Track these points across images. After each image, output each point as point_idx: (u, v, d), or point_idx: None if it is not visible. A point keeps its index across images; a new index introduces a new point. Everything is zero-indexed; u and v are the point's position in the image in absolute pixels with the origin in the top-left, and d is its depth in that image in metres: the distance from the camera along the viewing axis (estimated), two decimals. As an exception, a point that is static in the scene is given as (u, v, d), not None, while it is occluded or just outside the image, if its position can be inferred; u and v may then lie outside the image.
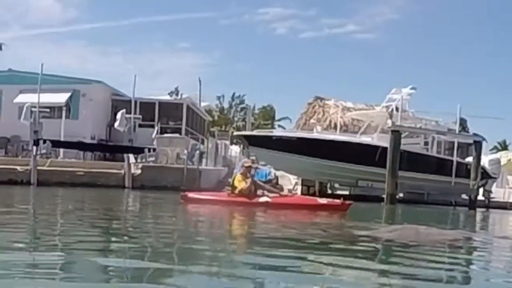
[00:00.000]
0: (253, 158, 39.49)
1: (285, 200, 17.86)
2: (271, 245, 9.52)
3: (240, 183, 17.75)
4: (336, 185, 36.45)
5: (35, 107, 30.07)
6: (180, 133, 39.39)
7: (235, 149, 47.79)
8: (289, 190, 36.42)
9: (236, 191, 17.78)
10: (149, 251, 8.48)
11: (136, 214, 15.87)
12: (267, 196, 17.71)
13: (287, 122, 72.14)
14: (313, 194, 32.26)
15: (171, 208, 18.36)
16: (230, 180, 18.79)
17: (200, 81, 51.98)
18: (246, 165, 18.66)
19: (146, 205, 20.66)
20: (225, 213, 16.38)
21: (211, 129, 59.28)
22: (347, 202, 18.63)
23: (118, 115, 33.06)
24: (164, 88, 79.10)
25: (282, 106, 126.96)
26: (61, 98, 35.51)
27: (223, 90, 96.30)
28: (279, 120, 76.42)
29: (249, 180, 17.80)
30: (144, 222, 13.41)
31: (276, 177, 37.76)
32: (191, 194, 18.56)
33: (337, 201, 19.34)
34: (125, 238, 9.98)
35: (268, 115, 77.49)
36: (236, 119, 76.16)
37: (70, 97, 36.67)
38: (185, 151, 33.71)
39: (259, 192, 17.91)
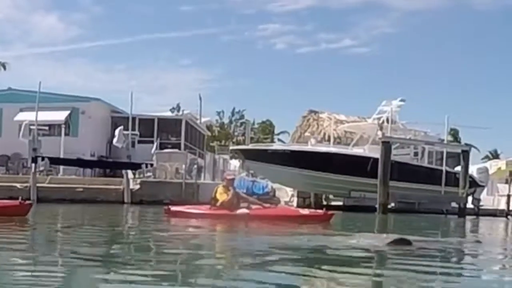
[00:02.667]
0: (252, 172, 39.45)
1: (266, 212, 17.38)
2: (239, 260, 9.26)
3: (222, 196, 17.34)
4: (331, 196, 36.29)
5: (33, 125, 29.93)
6: (179, 148, 39.15)
7: (234, 163, 47.53)
8: (286, 202, 36.31)
9: (218, 204, 17.39)
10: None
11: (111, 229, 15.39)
12: (246, 208, 17.32)
13: (286, 136, 71.87)
14: (309, 206, 32.04)
15: (148, 224, 18.23)
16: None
17: (200, 98, 51.80)
18: (228, 177, 18.26)
19: (129, 220, 20.48)
20: (202, 227, 16.03)
21: (211, 144, 59.13)
22: (329, 212, 18.37)
23: (116, 132, 33.06)
24: (168, 103, 78.88)
25: (282, 120, 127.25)
26: (60, 116, 35.39)
27: (225, 105, 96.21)
28: (278, 134, 76.26)
29: (230, 193, 17.43)
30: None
31: (273, 190, 37.80)
32: (174, 208, 18.26)
33: (320, 211, 19.12)
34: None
35: (268, 130, 77.30)
36: (236, 133, 75.93)
37: (70, 114, 36.52)
38: (183, 166, 33.59)
39: (244, 204, 17.55)
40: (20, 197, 16.68)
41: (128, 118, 35.76)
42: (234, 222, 15.98)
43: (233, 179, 18.14)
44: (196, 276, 7.27)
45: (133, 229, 16.23)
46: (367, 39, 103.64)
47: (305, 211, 19.76)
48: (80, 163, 33.15)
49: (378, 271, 8.14)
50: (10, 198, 23.18)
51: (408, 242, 11.09)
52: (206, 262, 8.74)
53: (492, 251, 12.82)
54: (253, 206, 17.53)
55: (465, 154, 31.53)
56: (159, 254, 9.72)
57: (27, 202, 16.38)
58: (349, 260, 9.04)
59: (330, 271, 7.89)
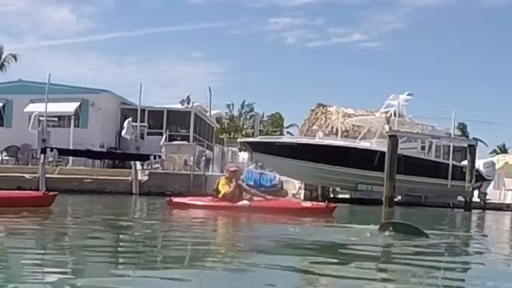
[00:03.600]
0: (260, 164, 39.38)
1: (267, 204, 17.13)
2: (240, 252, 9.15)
3: (224, 187, 17.15)
4: (338, 189, 36.21)
5: (43, 116, 29.93)
6: (188, 141, 39.14)
7: (242, 156, 47.44)
8: (293, 195, 36.26)
9: (220, 196, 17.19)
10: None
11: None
12: (248, 200, 17.15)
13: (295, 129, 71.79)
14: (316, 198, 31.99)
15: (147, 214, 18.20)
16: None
17: (210, 90, 51.86)
18: (231, 169, 17.99)
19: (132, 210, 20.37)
20: (202, 219, 15.86)
21: (221, 136, 59.14)
22: (332, 205, 18.16)
23: (125, 124, 32.99)
24: (179, 96, 78.94)
25: (292, 113, 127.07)
26: (70, 107, 35.51)
27: (235, 98, 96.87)
28: (287, 127, 76.24)
29: (232, 185, 17.24)
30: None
31: (281, 182, 37.76)
32: (176, 199, 18.16)
33: (322, 204, 18.89)
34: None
35: (277, 122, 77.23)
36: (245, 126, 75.90)
37: (79, 106, 36.62)
38: (191, 158, 33.60)
39: (247, 196, 17.38)
40: (43, 188, 16.62)
41: (137, 110, 35.75)
42: (235, 214, 15.83)
43: (235, 171, 17.89)
44: (192, 265, 7.18)
45: (133, 220, 16.11)
46: (377, 34, 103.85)
47: (307, 204, 19.60)
48: (88, 154, 33.19)
49: (379, 263, 8.01)
50: (19, 188, 23.33)
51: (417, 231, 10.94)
52: (201, 252, 8.65)
53: (497, 245, 12.73)
54: (255, 198, 17.36)
55: (472, 148, 31.40)
56: (155, 244, 9.65)
57: (51, 193, 16.29)
58: (346, 252, 8.90)
59: (326, 260, 7.80)
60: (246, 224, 14.64)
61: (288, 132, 71.25)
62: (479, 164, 33.68)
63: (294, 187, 38.42)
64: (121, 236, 10.86)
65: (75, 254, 8.01)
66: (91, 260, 7.46)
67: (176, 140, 38.56)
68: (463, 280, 7.27)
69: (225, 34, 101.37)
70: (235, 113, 78.69)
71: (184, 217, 15.82)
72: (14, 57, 51.53)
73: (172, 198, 18.32)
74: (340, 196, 35.33)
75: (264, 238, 10.72)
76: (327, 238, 10.62)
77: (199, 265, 7.15)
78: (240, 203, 16.85)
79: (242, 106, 78.88)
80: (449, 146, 34.24)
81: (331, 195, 35.45)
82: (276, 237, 10.90)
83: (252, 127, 67.48)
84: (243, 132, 70.31)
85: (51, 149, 28.54)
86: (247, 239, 10.74)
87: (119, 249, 8.97)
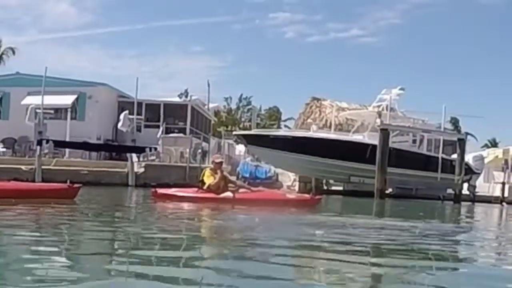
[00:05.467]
0: (256, 156, 39.32)
1: (251, 196, 16.90)
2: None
3: (209, 179, 16.92)
4: (332, 181, 36.18)
5: (39, 108, 29.80)
6: (185, 133, 39.03)
7: (239, 148, 47.33)
8: (288, 187, 36.21)
9: (205, 187, 16.97)
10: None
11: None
12: (232, 191, 16.96)
13: (293, 122, 71.68)
14: (310, 190, 31.83)
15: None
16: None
17: (208, 84, 51.55)
18: (216, 161, 17.72)
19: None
20: (186, 210, 15.59)
21: (218, 129, 59.00)
22: (316, 197, 18.12)
23: (121, 116, 32.97)
24: (178, 90, 78.61)
25: (290, 107, 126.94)
26: (67, 100, 35.39)
27: (234, 92, 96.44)
28: (285, 120, 76.10)
29: (218, 176, 17.08)
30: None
31: (276, 174, 37.73)
32: (161, 190, 17.99)
33: (306, 195, 18.88)
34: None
35: (275, 116, 77.11)
36: (243, 119, 75.81)
37: (77, 99, 36.48)
38: (187, 150, 33.54)
39: (233, 187, 17.18)
40: (68, 180, 16.41)
41: (134, 103, 35.66)
42: (219, 206, 15.67)
43: (221, 163, 17.68)
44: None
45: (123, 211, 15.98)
46: (375, 29, 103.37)
47: (292, 195, 19.58)
48: (84, 146, 33.10)
49: (366, 254, 7.87)
50: (15, 179, 23.10)
51: None
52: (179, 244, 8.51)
53: (482, 236, 12.66)
54: (241, 190, 17.17)
55: (461, 142, 31.49)
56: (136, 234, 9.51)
57: (75, 185, 16.13)
58: (327, 244, 8.75)
59: (302, 254, 7.68)
60: (229, 215, 14.49)
61: (285, 126, 71.12)
62: (469, 157, 33.77)
63: (289, 179, 38.44)
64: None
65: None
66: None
67: (173, 132, 38.47)
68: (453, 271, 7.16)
69: (225, 29, 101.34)
70: (233, 106, 78.61)
71: (167, 209, 15.63)
72: (12, 50, 51.18)
73: (157, 189, 18.11)
74: (333, 188, 35.36)
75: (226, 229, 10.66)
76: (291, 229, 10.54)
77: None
78: (224, 194, 16.70)
79: (240, 100, 78.80)
80: (439, 140, 34.23)
81: (325, 187, 35.50)
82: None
83: (249, 120, 67.34)
84: (241, 125, 70.13)
85: (47, 141, 28.43)
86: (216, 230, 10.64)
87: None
